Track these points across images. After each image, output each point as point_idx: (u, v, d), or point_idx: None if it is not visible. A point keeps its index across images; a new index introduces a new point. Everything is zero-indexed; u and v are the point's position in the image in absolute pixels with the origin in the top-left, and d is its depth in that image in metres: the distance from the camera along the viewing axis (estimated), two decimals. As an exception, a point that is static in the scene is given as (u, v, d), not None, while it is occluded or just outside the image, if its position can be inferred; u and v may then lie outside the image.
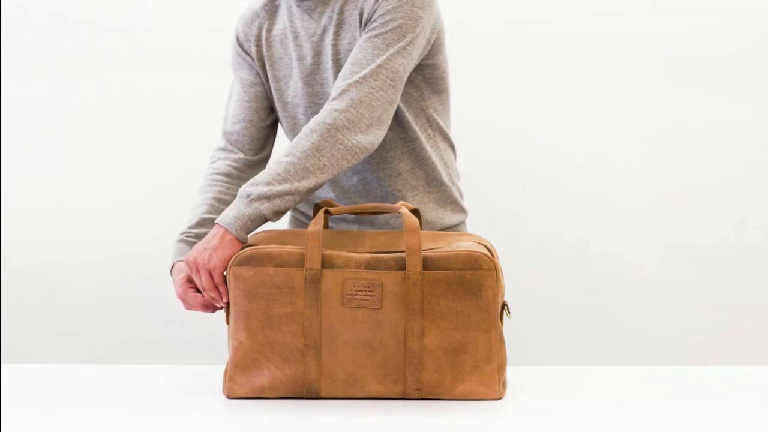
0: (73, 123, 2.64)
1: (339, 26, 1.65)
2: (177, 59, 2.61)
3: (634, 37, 2.59)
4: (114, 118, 2.64)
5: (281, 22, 1.73)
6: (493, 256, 1.34)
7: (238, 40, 1.78)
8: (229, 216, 1.42)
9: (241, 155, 1.76)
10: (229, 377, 1.35)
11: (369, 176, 1.69)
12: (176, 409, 1.30)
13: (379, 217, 1.72)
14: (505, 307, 1.36)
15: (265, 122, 1.78)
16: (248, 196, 1.42)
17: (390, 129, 1.67)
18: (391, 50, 1.56)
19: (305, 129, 1.50)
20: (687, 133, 2.62)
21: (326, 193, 1.73)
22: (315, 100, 1.70)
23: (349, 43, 1.64)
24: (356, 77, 1.53)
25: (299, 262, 1.32)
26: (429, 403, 1.32)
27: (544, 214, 2.61)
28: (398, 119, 1.68)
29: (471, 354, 1.32)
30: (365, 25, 1.60)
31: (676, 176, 2.62)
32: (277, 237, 1.38)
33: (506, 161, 2.59)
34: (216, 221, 1.44)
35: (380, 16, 1.57)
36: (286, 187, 1.42)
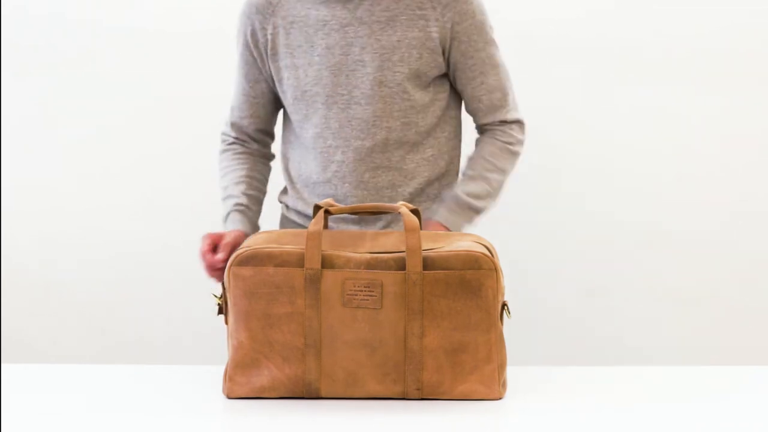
0: (73, 123, 2.64)
1: (389, 22, 1.71)
2: (177, 59, 2.61)
3: (635, 37, 2.59)
4: (114, 118, 2.64)
5: (301, 9, 1.73)
6: (493, 256, 1.34)
7: (251, 28, 1.78)
8: (450, 220, 1.73)
9: (255, 146, 1.89)
10: (229, 377, 1.35)
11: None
12: (176, 409, 1.30)
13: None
14: (505, 307, 1.36)
15: (271, 115, 1.88)
16: (470, 207, 1.75)
17: (449, 138, 1.83)
18: (499, 60, 1.80)
19: (509, 149, 1.80)
20: (688, 133, 2.62)
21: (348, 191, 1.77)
22: (339, 90, 1.72)
23: (399, 41, 1.70)
24: (514, 104, 1.83)
25: (299, 261, 1.32)
26: (429, 403, 1.32)
27: (544, 214, 2.61)
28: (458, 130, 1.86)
29: (471, 354, 1.32)
30: (451, 41, 1.73)
31: (676, 176, 2.63)
32: (277, 238, 1.38)
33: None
34: (437, 220, 1.71)
35: (476, 33, 1.75)
36: (489, 202, 1.79)
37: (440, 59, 1.75)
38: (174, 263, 2.65)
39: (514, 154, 1.82)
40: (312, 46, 1.72)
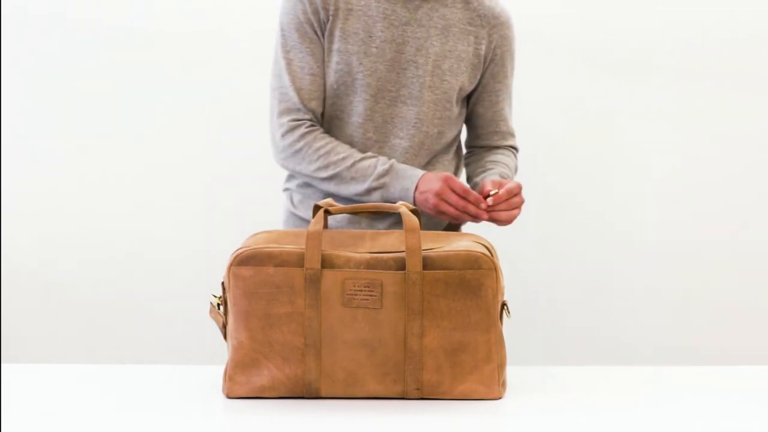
0: (72, 123, 2.64)
1: (444, 31, 1.74)
2: (177, 59, 2.61)
3: (638, 37, 2.59)
4: (114, 119, 2.64)
5: None
6: (492, 255, 1.34)
7: (312, 6, 1.73)
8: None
9: (323, 128, 1.78)
10: (229, 377, 1.35)
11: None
12: (176, 409, 1.30)
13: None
14: (505, 307, 1.36)
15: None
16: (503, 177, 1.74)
17: (455, 154, 1.88)
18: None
19: (510, 152, 1.88)
20: (689, 133, 2.62)
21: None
22: (388, 86, 1.74)
23: (449, 51, 1.75)
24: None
25: (299, 261, 1.32)
26: (429, 403, 1.32)
27: (545, 214, 2.61)
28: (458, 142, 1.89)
29: (471, 354, 1.32)
30: (489, 62, 1.80)
31: (677, 176, 2.63)
32: (277, 238, 1.38)
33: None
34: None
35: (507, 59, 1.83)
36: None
37: (479, 76, 1.81)
38: (174, 263, 2.65)
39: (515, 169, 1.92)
40: (370, 36, 1.73)
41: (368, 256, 1.32)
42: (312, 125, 1.75)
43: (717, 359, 2.59)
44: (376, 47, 1.73)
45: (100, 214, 2.64)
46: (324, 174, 1.73)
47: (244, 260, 1.33)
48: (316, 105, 1.76)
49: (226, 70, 2.47)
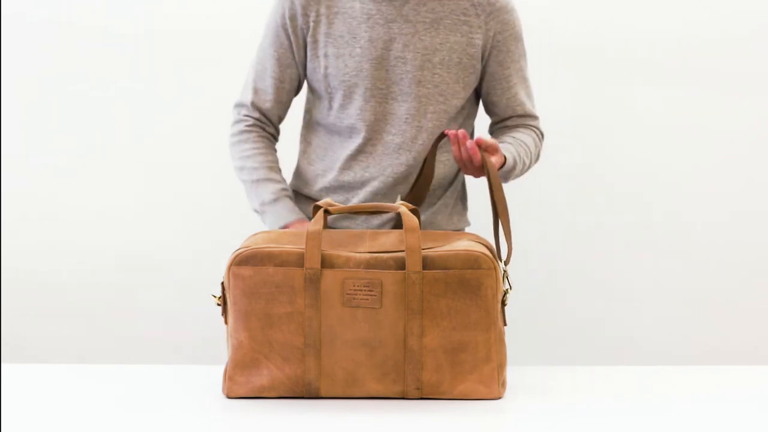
0: (72, 124, 2.64)
1: (434, 24, 1.73)
2: (177, 62, 2.61)
3: (639, 38, 2.59)
4: (114, 120, 2.64)
5: (346, 0, 1.74)
6: (492, 256, 1.35)
7: (291, 12, 1.77)
8: (512, 153, 1.72)
9: (272, 130, 1.87)
10: (229, 377, 1.35)
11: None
12: (176, 409, 1.30)
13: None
14: (507, 295, 1.37)
15: (290, 102, 1.88)
16: (514, 166, 1.72)
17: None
18: (528, 74, 1.87)
19: (539, 145, 1.86)
20: (689, 133, 2.62)
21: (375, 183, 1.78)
22: (378, 84, 1.74)
23: (440, 44, 1.74)
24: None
25: (299, 261, 1.32)
26: (429, 403, 1.32)
27: (545, 214, 2.61)
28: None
29: (470, 353, 1.32)
30: (491, 49, 1.78)
31: (678, 176, 2.63)
32: (277, 237, 1.38)
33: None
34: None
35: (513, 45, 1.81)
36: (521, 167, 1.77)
37: (478, 66, 1.79)
38: (174, 264, 2.65)
39: (538, 151, 1.88)
40: (354, 38, 1.73)
41: (368, 255, 1.32)
42: (253, 125, 1.84)
43: (717, 359, 2.59)
44: (360, 47, 1.73)
45: (100, 215, 2.64)
46: (239, 175, 1.85)
47: (244, 260, 1.33)
48: (270, 107, 1.84)
49: (227, 70, 2.47)
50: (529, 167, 1.83)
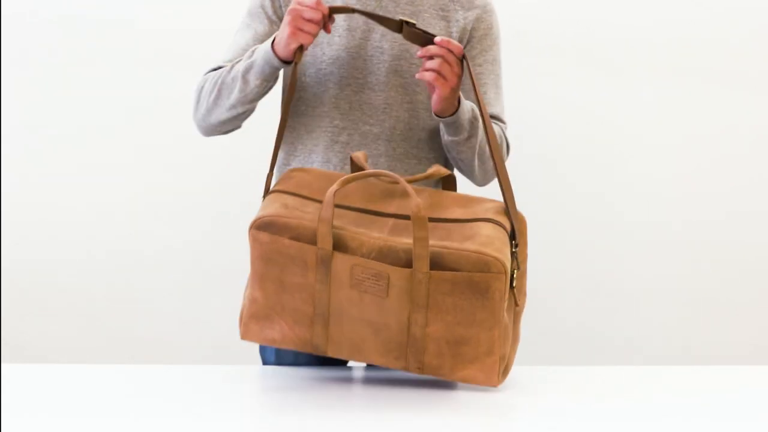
0: (72, 123, 2.64)
1: (412, 16, 1.72)
2: (177, 59, 2.61)
3: (640, 38, 2.59)
4: (114, 118, 2.64)
5: None
6: (504, 259, 1.31)
7: None
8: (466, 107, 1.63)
9: None
10: (244, 323, 1.40)
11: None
12: (176, 410, 1.30)
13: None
14: (514, 275, 1.36)
15: None
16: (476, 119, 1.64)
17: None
18: (502, 84, 1.82)
19: (505, 138, 1.76)
20: (689, 133, 2.62)
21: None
22: (354, 73, 1.73)
23: None
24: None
25: (313, 238, 1.33)
26: (429, 403, 1.32)
27: (546, 214, 2.61)
28: None
29: (473, 347, 1.33)
30: (466, 44, 1.74)
31: (678, 177, 2.63)
32: (309, 183, 1.41)
33: (509, 161, 2.60)
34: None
35: (487, 43, 1.76)
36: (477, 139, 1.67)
37: None
38: (174, 263, 2.65)
39: (503, 146, 1.79)
40: (333, 26, 1.72)
41: (381, 243, 1.32)
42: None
43: (717, 359, 2.59)
44: (339, 36, 1.72)
45: (100, 214, 2.64)
46: (215, 93, 1.70)
47: (263, 226, 1.36)
48: None
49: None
50: (488, 145, 1.60)
